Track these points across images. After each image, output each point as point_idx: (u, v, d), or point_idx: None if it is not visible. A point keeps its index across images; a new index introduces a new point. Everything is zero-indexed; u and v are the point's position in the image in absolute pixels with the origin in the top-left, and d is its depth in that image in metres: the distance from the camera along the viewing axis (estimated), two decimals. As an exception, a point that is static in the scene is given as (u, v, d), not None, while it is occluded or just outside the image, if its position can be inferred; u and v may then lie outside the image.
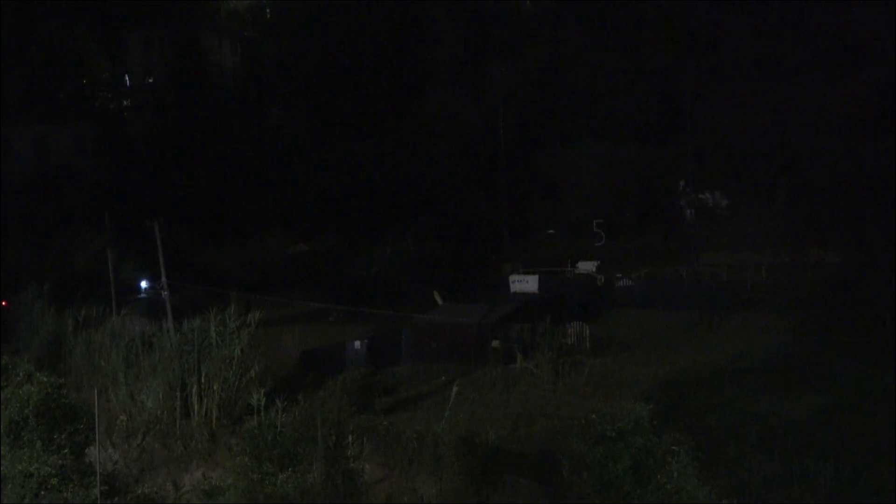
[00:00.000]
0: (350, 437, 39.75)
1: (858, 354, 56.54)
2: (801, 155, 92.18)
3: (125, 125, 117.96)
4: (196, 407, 53.09)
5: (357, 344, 63.78)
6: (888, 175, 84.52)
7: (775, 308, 69.71)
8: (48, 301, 66.56)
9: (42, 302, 66.63)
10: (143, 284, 76.74)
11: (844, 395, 51.24)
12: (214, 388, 53.02)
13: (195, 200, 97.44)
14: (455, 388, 52.66)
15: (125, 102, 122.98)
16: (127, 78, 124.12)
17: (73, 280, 74.52)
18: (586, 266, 78.90)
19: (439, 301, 70.20)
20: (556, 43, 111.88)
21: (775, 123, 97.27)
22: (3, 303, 69.94)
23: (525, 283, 73.33)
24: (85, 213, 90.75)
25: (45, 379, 39.47)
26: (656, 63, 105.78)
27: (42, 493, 36.68)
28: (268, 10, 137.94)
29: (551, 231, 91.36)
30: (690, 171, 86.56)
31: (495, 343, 62.12)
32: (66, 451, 37.64)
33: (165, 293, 60.04)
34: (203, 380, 53.31)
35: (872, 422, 47.01)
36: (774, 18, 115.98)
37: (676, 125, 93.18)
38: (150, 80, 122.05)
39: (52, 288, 68.37)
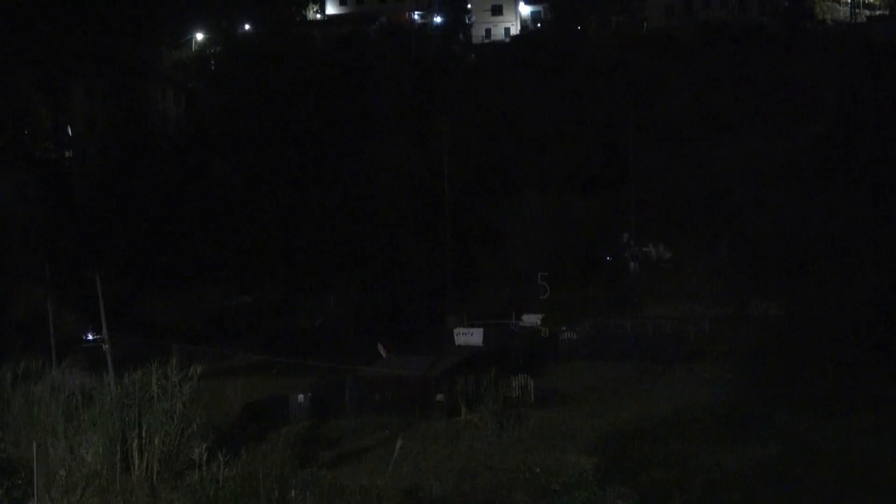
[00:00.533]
0: (293, 492, 39.37)
1: (801, 406, 56.87)
2: (742, 207, 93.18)
3: (67, 174, 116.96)
4: (137, 461, 52.27)
5: (300, 396, 63.28)
6: (828, 227, 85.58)
7: (718, 359, 70.18)
8: (-14, 353, 65.48)
9: (-21, 354, 65.54)
10: (84, 336, 75.78)
11: (787, 446, 51.48)
12: (156, 441, 52.27)
13: (137, 251, 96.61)
14: (399, 442, 52.36)
15: (67, 153, 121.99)
16: (69, 128, 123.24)
17: (12, 331, 73.45)
18: (531, 318, 78.86)
19: (383, 353, 69.85)
20: (501, 94, 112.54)
21: (717, 176, 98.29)
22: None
23: (469, 336, 73.14)
24: (24, 264, 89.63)
25: (-18, 434, 38.79)
26: (600, 115, 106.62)
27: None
28: (212, 62, 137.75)
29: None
30: (634, 223, 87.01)
31: (440, 396, 61.87)
32: (3, 506, 36.96)
33: (106, 346, 59.28)
34: (144, 433, 52.55)
35: (814, 473, 47.25)
36: (717, 72, 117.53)
37: (620, 177, 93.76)
38: (93, 130, 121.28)
39: (-10, 339, 67.37)
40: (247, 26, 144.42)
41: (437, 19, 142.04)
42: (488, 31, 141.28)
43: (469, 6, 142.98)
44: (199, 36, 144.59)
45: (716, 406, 59.08)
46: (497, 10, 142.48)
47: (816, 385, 59.77)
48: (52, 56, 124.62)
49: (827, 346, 65.93)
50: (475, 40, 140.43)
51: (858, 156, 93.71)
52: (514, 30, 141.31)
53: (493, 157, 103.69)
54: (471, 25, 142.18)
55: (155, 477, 51.90)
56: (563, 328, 77.52)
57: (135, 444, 52.39)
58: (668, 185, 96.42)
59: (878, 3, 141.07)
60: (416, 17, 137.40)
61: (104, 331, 59.77)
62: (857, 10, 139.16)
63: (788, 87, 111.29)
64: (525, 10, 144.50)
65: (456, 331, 75.22)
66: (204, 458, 45.36)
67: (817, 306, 74.72)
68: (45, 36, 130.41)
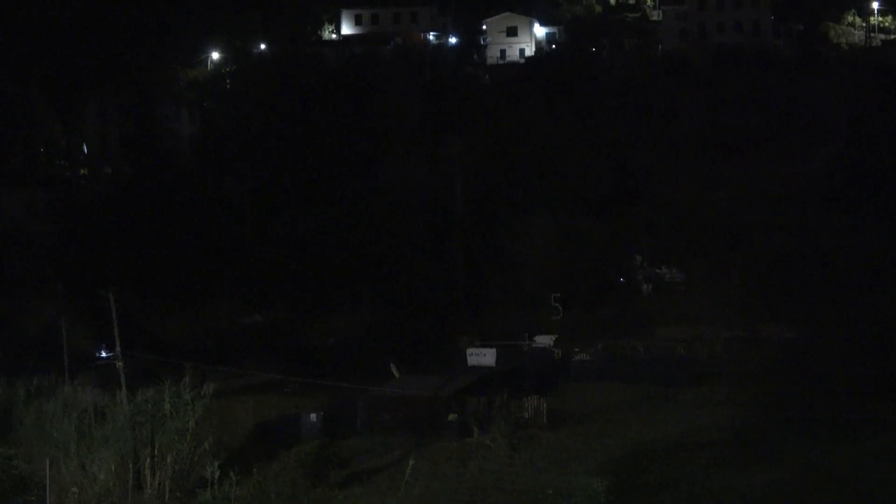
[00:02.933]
0: (304, 512, 39.44)
1: (812, 429, 56.80)
2: (755, 230, 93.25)
3: (80, 192, 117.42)
4: (149, 479, 52.39)
5: (312, 416, 63.31)
6: (840, 250, 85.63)
7: (730, 382, 70.07)
8: (-1, 369, 65.71)
9: (-8, 370, 65.75)
10: (97, 354, 76.02)
11: (798, 469, 51.40)
12: (168, 460, 52.38)
13: (150, 269, 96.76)
14: (411, 462, 52.37)
15: (81, 171, 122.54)
16: (84, 146, 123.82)
17: (25, 348, 73.67)
18: (544, 339, 78.84)
19: (396, 373, 69.89)
20: (514, 114, 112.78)
21: (729, 198, 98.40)
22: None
23: (482, 357, 73.08)
24: (38, 281, 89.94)
25: (-6, 450, 38.94)
26: (613, 136, 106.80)
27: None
28: (227, 81, 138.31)
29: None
30: (646, 245, 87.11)
31: (452, 416, 61.86)
32: (16, 523, 37.09)
33: (119, 363, 59.43)
34: (156, 452, 52.69)
35: (825, 497, 47.18)
36: (730, 95, 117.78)
37: (632, 198, 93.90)
38: (107, 148, 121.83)
39: (3, 356, 67.58)
40: (262, 46, 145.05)
41: (452, 40, 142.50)
42: (503, 53, 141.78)
43: (484, 27, 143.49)
44: (215, 55, 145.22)
45: (727, 429, 59.04)
46: (512, 32, 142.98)
47: (828, 408, 59.71)
48: (67, 74, 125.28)
49: (838, 370, 65.88)
50: (490, 61, 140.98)
51: (871, 179, 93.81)
52: (529, 51, 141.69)
53: (506, 177, 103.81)
54: (486, 46, 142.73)
55: (167, 495, 52.01)
56: (576, 349, 77.53)
57: (147, 463, 52.53)
58: (680, 207, 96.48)
59: (893, 27, 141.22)
60: (430, 37, 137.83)
61: (117, 348, 59.93)
62: (871, 35, 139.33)
63: (801, 111, 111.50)
64: (540, 31, 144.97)
65: (469, 351, 75.18)
66: (216, 477, 45.44)
67: (829, 330, 74.70)
68: (59, 54, 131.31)
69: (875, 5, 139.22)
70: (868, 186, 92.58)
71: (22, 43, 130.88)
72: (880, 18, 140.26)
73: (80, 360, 72.77)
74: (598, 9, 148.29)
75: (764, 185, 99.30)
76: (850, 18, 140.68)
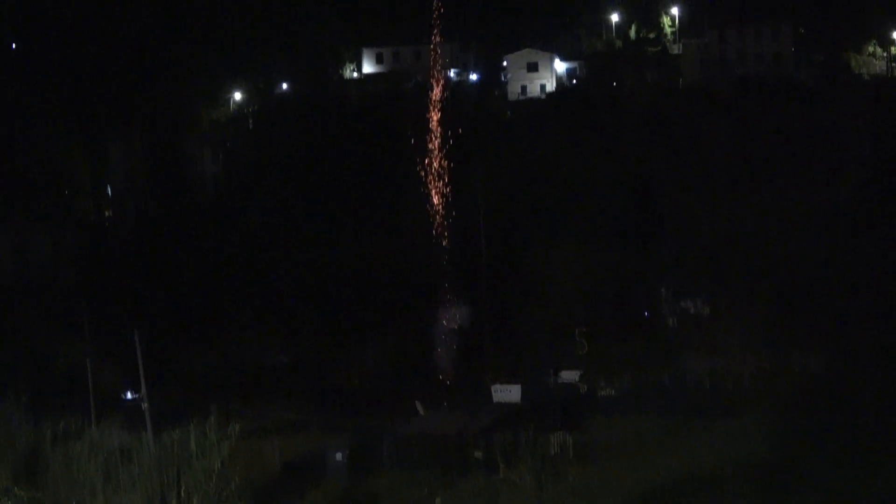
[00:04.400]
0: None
1: (843, 459, 56.29)
2: (781, 259, 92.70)
3: (106, 232, 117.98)
4: (175, 521, 52.29)
5: (338, 454, 63.12)
6: (869, 279, 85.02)
7: (759, 413, 69.53)
8: (26, 412, 65.72)
9: (20, 412, 65.78)
10: (123, 395, 76.13)
11: (831, 500, 50.90)
12: (194, 501, 52.24)
13: (176, 308, 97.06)
14: (438, 500, 52.18)
15: (107, 212, 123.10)
16: (109, 188, 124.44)
17: (52, 389, 73.79)
18: (569, 374, 78.58)
19: (421, 410, 69.71)
20: (537, 147, 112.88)
21: (755, 227, 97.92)
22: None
23: (508, 393, 72.86)
24: (64, 322, 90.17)
25: (22, 493, 38.86)
26: (636, 168, 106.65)
27: None
28: (250, 121, 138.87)
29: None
30: (671, 276, 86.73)
31: (478, 453, 61.60)
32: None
33: (145, 405, 59.43)
34: (183, 493, 52.55)
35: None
36: (753, 124, 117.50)
37: (657, 229, 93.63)
38: (132, 188, 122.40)
39: (30, 398, 67.56)
40: (284, 86, 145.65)
41: (473, 76, 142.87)
42: (524, 88, 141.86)
43: (505, 63, 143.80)
44: (237, 95, 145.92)
45: (758, 460, 58.56)
46: (533, 67, 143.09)
47: (859, 438, 59.18)
48: (92, 116, 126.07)
49: (869, 399, 65.31)
50: (511, 97, 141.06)
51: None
52: (550, 86, 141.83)
53: (530, 210, 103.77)
54: (506, 82, 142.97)
55: (194, 536, 51.86)
56: (602, 384, 77.12)
57: (174, 504, 52.42)
58: (705, 237, 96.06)
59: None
60: (452, 74, 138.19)
61: (143, 389, 59.95)
62: (893, 64, 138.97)
63: (826, 139, 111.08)
64: (560, 66, 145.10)
65: (494, 387, 74.95)
66: (243, 518, 45.30)
67: (858, 357, 74.13)
68: (84, 97, 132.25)
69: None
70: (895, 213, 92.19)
71: (48, 86, 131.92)
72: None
73: (107, 401, 72.86)
74: (619, 43, 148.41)
75: (790, 213, 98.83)
76: (871, 49, 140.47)
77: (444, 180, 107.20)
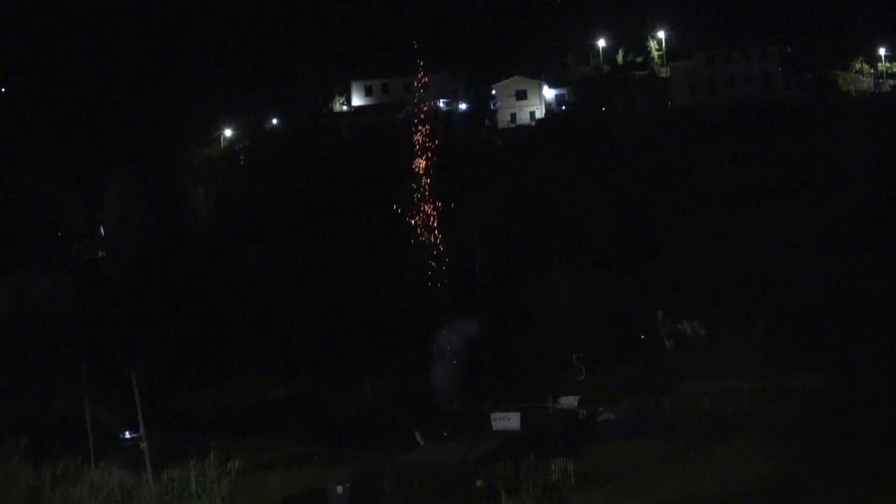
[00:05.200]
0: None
1: (846, 479, 56.10)
2: (777, 280, 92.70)
3: (101, 272, 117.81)
4: (177, 559, 52.05)
5: (339, 488, 62.91)
6: (865, 297, 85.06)
7: (759, 435, 69.35)
8: (25, 454, 65.52)
9: (19, 455, 65.58)
10: (122, 434, 75.87)
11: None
12: (196, 538, 52.08)
13: (173, 346, 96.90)
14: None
15: (101, 252, 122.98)
16: (102, 229, 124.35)
17: (51, 430, 73.57)
18: (568, 400, 78.41)
19: (420, 441, 69.51)
20: (529, 175, 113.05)
21: (750, 249, 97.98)
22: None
23: (507, 421, 72.69)
24: (62, 363, 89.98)
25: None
26: (629, 193, 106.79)
27: None
28: (241, 157, 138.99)
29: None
30: (668, 300, 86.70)
31: (479, 482, 61.39)
32: None
33: (144, 444, 59.26)
34: (184, 531, 52.38)
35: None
36: (745, 146, 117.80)
37: (652, 253, 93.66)
38: (126, 227, 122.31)
39: (29, 440, 67.36)
40: (274, 121, 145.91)
41: (463, 106, 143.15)
42: (513, 116, 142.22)
43: (494, 92, 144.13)
44: (228, 132, 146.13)
45: (760, 483, 58.36)
46: (521, 95, 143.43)
47: (861, 457, 59.01)
48: (85, 156, 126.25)
49: (869, 418, 65.19)
50: (501, 125, 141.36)
51: (892, 223, 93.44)
52: (539, 113, 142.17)
53: (525, 238, 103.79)
54: (496, 111, 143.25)
55: (196, 574, 51.62)
56: (601, 409, 76.98)
57: (174, 543, 52.20)
58: (700, 260, 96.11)
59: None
60: (441, 104, 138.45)
61: (141, 428, 59.80)
62: (880, 80, 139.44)
63: (817, 159, 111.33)
64: (549, 93, 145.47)
65: (493, 415, 74.78)
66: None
67: (858, 377, 74.04)
68: (77, 139, 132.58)
69: (882, 51, 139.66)
70: (891, 230, 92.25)
71: (39, 128, 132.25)
72: (888, 64, 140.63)
73: (106, 441, 72.60)
74: (607, 68, 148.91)
75: (785, 234, 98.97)
76: (858, 66, 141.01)
77: (437, 212, 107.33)
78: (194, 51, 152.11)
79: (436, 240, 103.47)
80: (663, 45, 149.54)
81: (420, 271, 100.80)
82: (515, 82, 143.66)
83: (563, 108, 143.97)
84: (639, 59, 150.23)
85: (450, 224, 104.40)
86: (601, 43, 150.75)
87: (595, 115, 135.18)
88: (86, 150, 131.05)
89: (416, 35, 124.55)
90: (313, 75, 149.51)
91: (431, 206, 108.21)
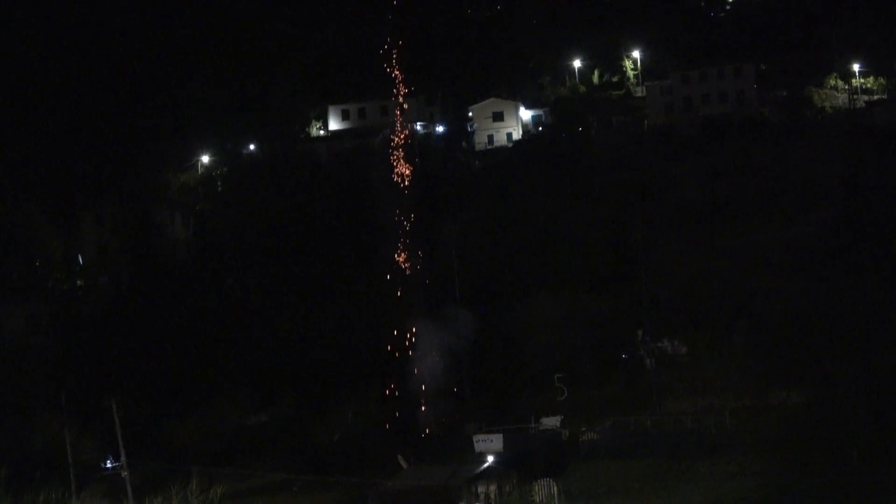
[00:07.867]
0: None
1: (828, 494, 56.19)
2: (756, 296, 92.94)
3: (79, 303, 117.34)
4: (160, 588, 51.76)
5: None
6: (844, 312, 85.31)
7: (742, 451, 69.42)
8: (5, 487, 65.17)
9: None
10: (103, 464, 75.40)
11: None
12: (178, 567, 51.80)
13: (153, 375, 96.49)
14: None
15: (78, 282, 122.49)
16: (80, 258, 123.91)
17: (31, 461, 73.16)
18: (550, 421, 78.39)
19: (403, 464, 69.33)
20: (507, 197, 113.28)
21: (728, 266, 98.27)
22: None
23: (489, 442, 72.54)
24: (41, 394, 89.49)
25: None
26: (607, 212, 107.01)
27: None
28: (219, 183, 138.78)
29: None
30: (647, 319, 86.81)
31: (462, 505, 61.32)
32: None
33: (125, 473, 58.98)
34: (166, 559, 52.11)
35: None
36: (721, 164, 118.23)
37: (631, 273, 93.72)
38: (104, 257, 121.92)
39: (9, 472, 67.02)
40: (251, 146, 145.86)
41: (440, 128, 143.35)
42: (490, 138, 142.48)
43: (470, 114, 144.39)
44: (205, 158, 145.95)
45: (743, 500, 58.39)
46: (498, 117, 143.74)
47: (842, 472, 59.12)
48: (61, 186, 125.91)
49: (850, 433, 65.33)
50: (478, 147, 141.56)
51: (869, 238, 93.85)
52: (516, 135, 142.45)
53: (504, 259, 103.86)
54: (473, 133, 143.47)
55: None
56: (583, 428, 76.96)
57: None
58: (679, 278, 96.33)
59: (875, 87, 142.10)
60: (418, 127, 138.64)
61: (122, 458, 59.51)
62: (855, 96, 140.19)
63: (793, 175, 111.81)
64: (526, 115, 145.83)
65: (475, 437, 74.65)
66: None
67: (838, 392, 74.22)
68: (53, 168, 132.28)
69: (856, 67, 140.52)
70: (867, 245, 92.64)
71: (17, 159, 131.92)
72: (862, 80, 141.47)
73: (87, 472, 72.21)
74: (583, 88, 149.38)
75: (762, 250, 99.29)
76: (832, 82, 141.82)
77: (415, 235, 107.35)
78: (171, 78, 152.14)
79: (414, 263, 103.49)
80: (638, 64, 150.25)
81: (399, 295, 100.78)
82: (492, 104, 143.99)
83: (540, 129, 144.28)
84: (614, 80, 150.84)
85: (428, 246, 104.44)
86: (577, 64, 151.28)
87: (572, 135, 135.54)
88: (62, 179, 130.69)
89: (392, 59, 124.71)
90: (290, 100, 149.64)
91: (409, 229, 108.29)
